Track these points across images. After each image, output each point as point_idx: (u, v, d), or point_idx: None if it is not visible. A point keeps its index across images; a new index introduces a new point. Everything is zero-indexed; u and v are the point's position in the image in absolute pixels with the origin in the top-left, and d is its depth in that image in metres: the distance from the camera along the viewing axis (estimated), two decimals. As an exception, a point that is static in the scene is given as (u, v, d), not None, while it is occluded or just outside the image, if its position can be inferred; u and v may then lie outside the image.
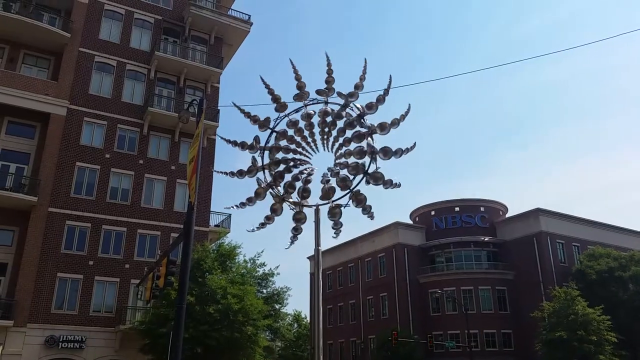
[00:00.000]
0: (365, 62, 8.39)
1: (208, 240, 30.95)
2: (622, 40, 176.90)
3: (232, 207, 8.81)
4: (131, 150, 31.71)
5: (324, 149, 8.64)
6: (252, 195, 8.60)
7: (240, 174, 8.67)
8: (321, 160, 8.63)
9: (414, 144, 8.01)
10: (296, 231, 8.36)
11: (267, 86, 8.64)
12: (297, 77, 8.40)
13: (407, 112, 8.09)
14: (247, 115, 8.70)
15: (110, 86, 32.42)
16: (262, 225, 8.42)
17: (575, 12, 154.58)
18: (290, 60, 8.57)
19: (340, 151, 8.47)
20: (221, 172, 9.01)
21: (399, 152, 7.93)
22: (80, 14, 32.52)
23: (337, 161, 8.43)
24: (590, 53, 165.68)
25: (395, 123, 7.98)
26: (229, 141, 8.88)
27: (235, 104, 8.89)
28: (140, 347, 25.81)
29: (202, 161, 15.07)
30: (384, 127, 7.93)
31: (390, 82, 8.23)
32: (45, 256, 27.41)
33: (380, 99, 8.11)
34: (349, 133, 8.39)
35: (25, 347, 25.67)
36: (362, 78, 8.26)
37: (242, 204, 8.69)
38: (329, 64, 8.35)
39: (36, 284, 26.79)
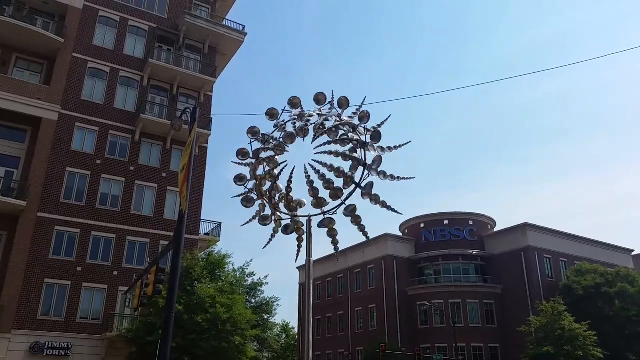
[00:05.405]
0: (364, 99, 8.21)
1: (197, 249, 30.86)
2: (616, 58, 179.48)
3: (245, 224, 8.68)
4: (122, 156, 31.65)
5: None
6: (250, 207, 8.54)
7: (249, 200, 8.51)
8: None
9: (413, 177, 7.80)
10: (299, 240, 8.30)
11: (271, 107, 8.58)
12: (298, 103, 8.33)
13: (401, 145, 7.90)
14: (254, 135, 8.61)
15: (102, 92, 32.41)
16: (272, 236, 8.34)
17: (574, 26, 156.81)
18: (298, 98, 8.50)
19: (327, 147, 8.06)
20: (241, 196, 8.79)
21: (385, 175, 7.69)
22: (75, 20, 32.55)
23: (322, 152, 8.03)
24: (584, 69, 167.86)
25: (387, 150, 7.82)
26: (243, 164, 8.70)
27: (249, 137, 8.71)
28: (127, 355, 25.65)
29: (193, 169, 15.12)
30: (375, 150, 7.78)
31: (387, 118, 8.06)
32: (32, 261, 27.19)
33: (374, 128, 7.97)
34: (339, 133, 8.06)
35: (10, 354, 25.35)
36: (356, 113, 8.11)
37: (250, 221, 8.62)
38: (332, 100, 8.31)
39: (23, 290, 26.52)
